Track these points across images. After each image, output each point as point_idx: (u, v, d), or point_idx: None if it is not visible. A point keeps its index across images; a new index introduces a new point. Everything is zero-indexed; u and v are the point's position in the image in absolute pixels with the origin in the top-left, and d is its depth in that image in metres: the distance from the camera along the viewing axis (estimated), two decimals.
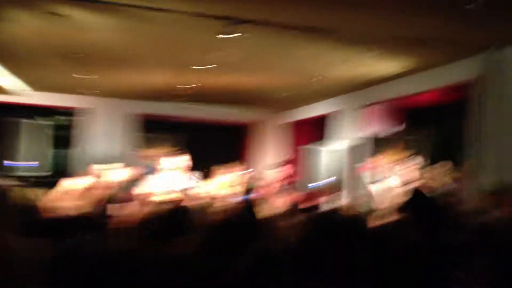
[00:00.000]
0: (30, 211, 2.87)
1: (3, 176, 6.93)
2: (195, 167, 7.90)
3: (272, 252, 1.55)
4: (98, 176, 5.94)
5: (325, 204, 5.91)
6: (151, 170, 8.69)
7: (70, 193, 4.44)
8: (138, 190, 6.15)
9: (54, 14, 4.27)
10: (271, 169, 7.08)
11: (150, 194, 5.36)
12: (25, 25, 4.71)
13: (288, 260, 1.03)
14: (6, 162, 7.35)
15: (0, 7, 4.28)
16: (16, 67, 6.84)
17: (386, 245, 0.99)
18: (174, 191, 5.30)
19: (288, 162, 7.16)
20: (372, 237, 1.05)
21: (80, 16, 4.33)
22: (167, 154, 6.75)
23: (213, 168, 7.29)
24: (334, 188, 7.60)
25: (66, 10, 4.18)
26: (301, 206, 5.55)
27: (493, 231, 2.59)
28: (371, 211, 5.02)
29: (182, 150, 8.43)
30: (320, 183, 7.60)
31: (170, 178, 6.34)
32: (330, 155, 7.80)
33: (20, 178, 6.97)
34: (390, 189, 5.59)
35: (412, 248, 1.68)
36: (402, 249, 1.68)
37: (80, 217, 2.38)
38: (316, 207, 5.52)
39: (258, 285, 1.46)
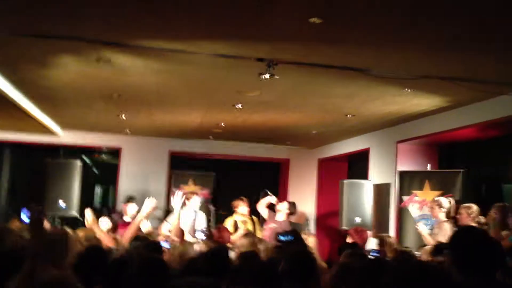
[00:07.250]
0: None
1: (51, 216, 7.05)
2: (226, 204, 7.92)
3: None
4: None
5: (372, 239, 5.77)
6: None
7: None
8: (169, 226, 6.17)
9: (99, 59, 4.44)
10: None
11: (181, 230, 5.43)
12: (69, 70, 4.90)
13: None
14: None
15: (51, 55, 4.48)
16: (48, 107, 6.98)
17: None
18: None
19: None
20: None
21: (122, 60, 4.49)
22: (198, 192, 6.87)
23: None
24: (378, 223, 7.44)
25: (110, 55, 4.34)
26: (349, 240, 5.44)
27: None
28: (421, 247, 4.88)
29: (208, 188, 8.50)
30: (365, 217, 7.47)
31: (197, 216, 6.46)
32: (372, 189, 7.68)
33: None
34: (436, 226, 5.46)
35: None
36: None
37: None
38: (363, 243, 5.40)
39: None
